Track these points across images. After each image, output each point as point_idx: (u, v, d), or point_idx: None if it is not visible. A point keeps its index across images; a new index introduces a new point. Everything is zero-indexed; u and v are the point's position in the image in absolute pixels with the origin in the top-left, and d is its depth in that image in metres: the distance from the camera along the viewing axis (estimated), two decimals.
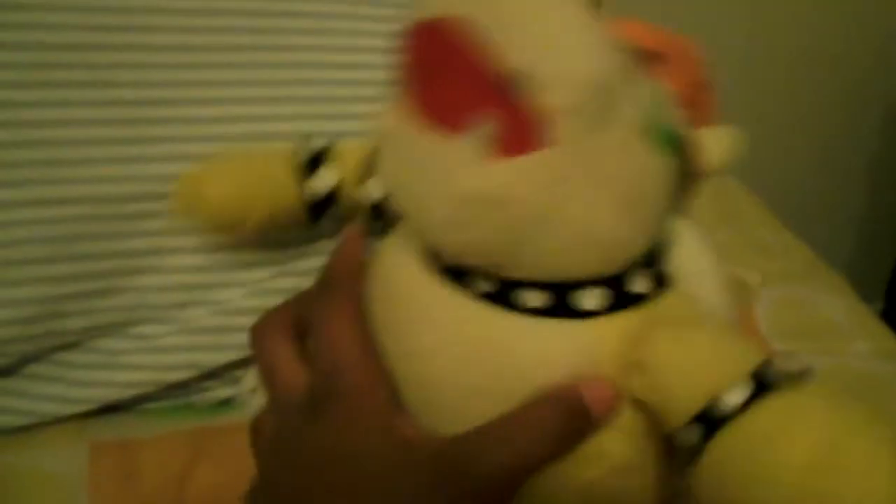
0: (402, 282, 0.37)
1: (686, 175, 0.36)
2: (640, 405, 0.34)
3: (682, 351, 0.34)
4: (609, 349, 0.34)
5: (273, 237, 0.56)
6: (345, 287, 0.38)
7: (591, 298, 0.35)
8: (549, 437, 0.33)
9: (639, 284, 0.35)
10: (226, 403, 0.58)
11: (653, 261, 0.36)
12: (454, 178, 0.32)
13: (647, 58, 0.36)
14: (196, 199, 0.49)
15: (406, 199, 0.35)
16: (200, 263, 0.56)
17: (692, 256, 0.38)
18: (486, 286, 0.35)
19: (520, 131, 0.31)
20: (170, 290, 0.56)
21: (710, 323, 0.36)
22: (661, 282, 0.36)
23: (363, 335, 0.37)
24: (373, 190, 0.45)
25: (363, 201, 0.47)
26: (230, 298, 0.56)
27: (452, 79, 0.32)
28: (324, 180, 0.46)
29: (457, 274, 0.36)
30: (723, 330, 0.35)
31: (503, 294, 0.35)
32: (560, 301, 0.35)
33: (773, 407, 0.31)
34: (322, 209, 0.49)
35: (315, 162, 0.47)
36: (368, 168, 0.45)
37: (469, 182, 0.32)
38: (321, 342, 0.37)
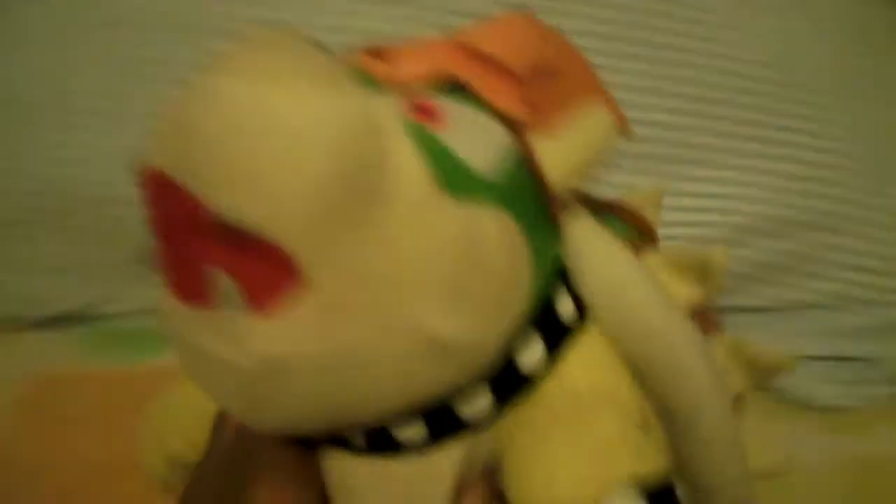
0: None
1: (543, 202, 0.30)
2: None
3: (531, 475, 0.30)
4: (484, 449, 0.31)
5: None
6: None
7: (472, 405, 0.30)
8: None
9: (526, 360, 0.30)
10: None
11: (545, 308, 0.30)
12: (221, 361, 0.26)
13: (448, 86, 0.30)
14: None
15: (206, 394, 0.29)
16: None
17: (604, 274, 0.32)
18: (358, 440, 0.30)
19: (266, 279, 0.25)
20: None
21: (581, 421, 0.30)
22: (558, 340, 0.31)
23: None
24: None
25: None
26: None
27: (178, 241, 0.26)
28: None
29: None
30: (586, 440, 0.30)
31: (380, 440, 0.30)
32: (442, 420, 0.29)
33: None
34: None
35: None
36: None
37: (236, 359, 0.25)
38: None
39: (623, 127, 0.33)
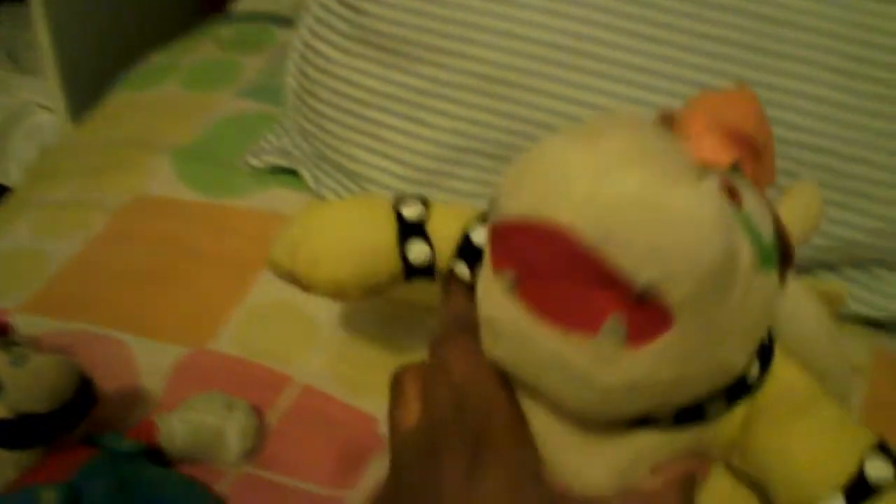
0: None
1: (784, 261, 0.37)
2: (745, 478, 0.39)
3: (781, 451, 0.37)
4: (724, 440, 0.38)
5: None
6: (471, 331, 0.38)
7: (713, 407, 0.37)
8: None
9: (750, 372, 0.38)
10: None
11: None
12: (593, 377, 0.33)
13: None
14: (310, 279, 0.52)
15: (533, 384, 0.36)
16: None
17: (797, 315, 0.40)
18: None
19: (646, 323, 0.32)
20: None
21: (808, 410, 0.38)
22: (768, 357, 0.38)
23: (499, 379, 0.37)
24: (461, 269, 0.46)
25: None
26: None
27: (569, 283, 0.32)
28: (419, 255, 0.49)
29: None
30: (823, 423, 0.38)
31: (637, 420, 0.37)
32: (689, 411, 0.37)
33: None
34: (418, 274, 0.51)
35: (411, 230, 0.49)
36: (458, 247, 0.47)
37: (607, 378, 0.33)
38: (459, 381, 0.37)
39: None
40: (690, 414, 0.37)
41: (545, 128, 0.68)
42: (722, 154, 0.36)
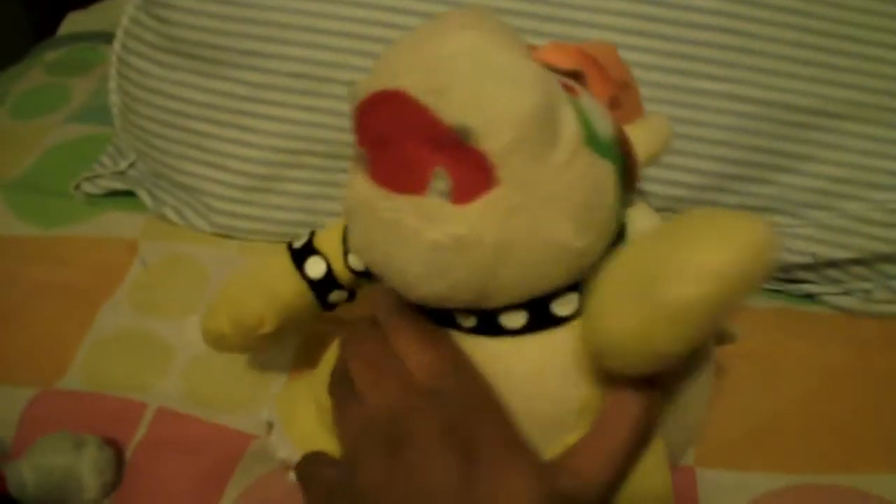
0: None
1: (627, 170, 0.38)
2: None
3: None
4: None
5: None
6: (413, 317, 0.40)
7: (565, 307, 0.38)
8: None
9: None
10: (810, 297, 0.71)
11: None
12: (420, 234, 0.34)
13: (570, 76, 0.39)
14: (233, 321, 0.54)
15: (380, 264, 0.37)
16: (838, 175, 0.67)
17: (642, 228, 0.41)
18: (469, 322, 0.39)
19: (470, 178, 0.33)
20: (805, 191, 0.68)
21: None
22: None
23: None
24: (355, 263, 0.51)
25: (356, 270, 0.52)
26: (856, 209, 0.67)
27: (403, 145, 0.34)
28: (315, 269, 0.52)
29: (440, 315, 0.40)
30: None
31: (487, 324, 0.38)
32: (539, 314, 0.38)
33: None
34: (326, 292, 0.53)
35: (303, 253, 0.53)
36: (343, 241, 0.51)
37: (433, 234, 0.34)
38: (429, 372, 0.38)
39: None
40: (544, 315, 0.38)
41: None
42: (561, 59, 0.39)
